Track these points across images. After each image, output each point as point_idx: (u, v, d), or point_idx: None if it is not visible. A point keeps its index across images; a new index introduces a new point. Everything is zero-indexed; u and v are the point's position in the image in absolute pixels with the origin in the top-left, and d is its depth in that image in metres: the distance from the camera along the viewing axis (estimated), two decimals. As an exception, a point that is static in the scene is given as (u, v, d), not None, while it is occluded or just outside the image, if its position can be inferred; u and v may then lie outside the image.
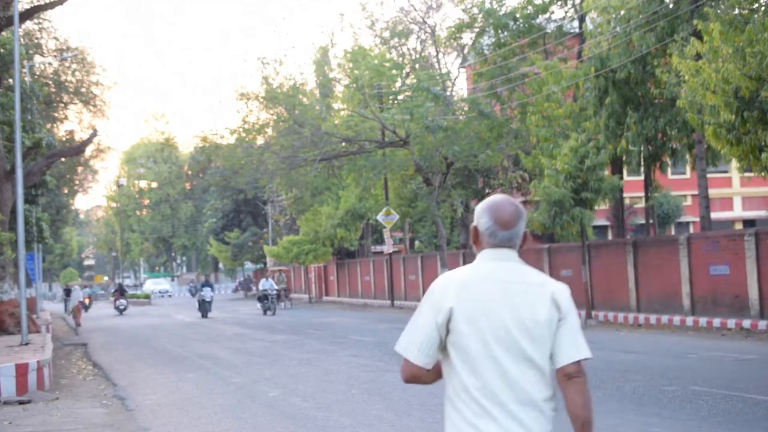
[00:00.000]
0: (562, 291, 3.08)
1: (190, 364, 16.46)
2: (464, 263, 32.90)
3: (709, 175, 25.51)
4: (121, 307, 41.71)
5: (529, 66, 28.56)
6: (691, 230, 40.19)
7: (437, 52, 43.33)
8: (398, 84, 39.20)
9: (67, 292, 57.85)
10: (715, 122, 14.88)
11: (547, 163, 22.39)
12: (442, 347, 3.08)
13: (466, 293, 3.03)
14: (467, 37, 35.51)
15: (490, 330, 3.00)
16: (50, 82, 35.55)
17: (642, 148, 25.11)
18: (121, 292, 42.85)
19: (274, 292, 36.63)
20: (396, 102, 35.64)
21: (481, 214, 3.16)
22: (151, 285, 77.43)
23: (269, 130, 37.25)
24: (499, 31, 30.39)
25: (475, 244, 3.19)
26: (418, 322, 3.08)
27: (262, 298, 36.27)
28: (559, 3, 30.59)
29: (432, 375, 3.18)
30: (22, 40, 27.75)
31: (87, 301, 55.50)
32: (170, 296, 73.96)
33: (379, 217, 35.20)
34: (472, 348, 3.02)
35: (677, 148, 25.44)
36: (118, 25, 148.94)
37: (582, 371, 3.13)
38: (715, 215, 32.74)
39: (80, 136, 38.21)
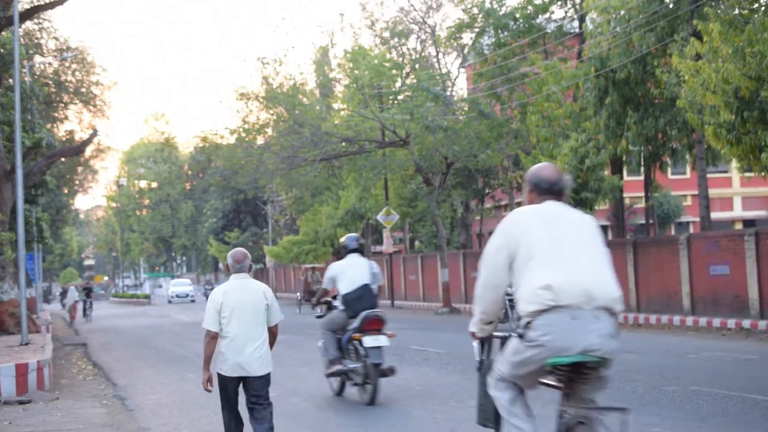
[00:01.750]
0: (268, 290, 7.00)
1: (190, 364, 16.45)
2: (464, 263, 33.15)
3: (709, 175, 25.52)
4: (87, 305, 42.10)
5: (529, 66, 28.55)
6: (691, 230, 40.20)
7: (437, 52, 43.33)
8: (398, 84, 39.18)
9: (64, 293, 58.45)
10: (715, 122, 14.89)
11: (547, 163, 22.40)
12: (219, 321, 6.78)
13: (227, 294, 6.86)
14: (467, 37, 35.51)
15: (238, 310, 6.79)
16: (50, 82, 35.56)
17: (642, 148, 25.13)
18: (86, 294, 42.85)
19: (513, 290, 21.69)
20: (396, 102, 35.62)
21: (228, 257, 7.04)
22: (172, 287, 64.54)
23: (269, 130, 37.26)
24: (499, 31, 30.38)
25: (227, 271, 7.13)
26: (208, 309, 6.82)
27: None
28: (559, 3, 30.59)
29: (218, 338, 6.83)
30: (22, 40, 27.75)
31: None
32: (193, 301, 59.35)
33: (379, 217, 35.21)
34: (228, 318, 6.77)
35: (677, 148, 25.45)
36: (118, 25, 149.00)
37: (277, 327, 7.07)
38: (715, 215, 32.74)
39: (80, 136, 38.25)
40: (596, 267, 4.25)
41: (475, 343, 4.96)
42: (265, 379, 6.89)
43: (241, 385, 6.90)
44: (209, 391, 6.90)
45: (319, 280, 36.83)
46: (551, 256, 4.24)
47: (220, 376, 6.85)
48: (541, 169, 4.60)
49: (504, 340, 4.71)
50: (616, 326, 4.26)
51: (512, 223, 4.43)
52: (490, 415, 4.75)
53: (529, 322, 4.27)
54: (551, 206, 4.41)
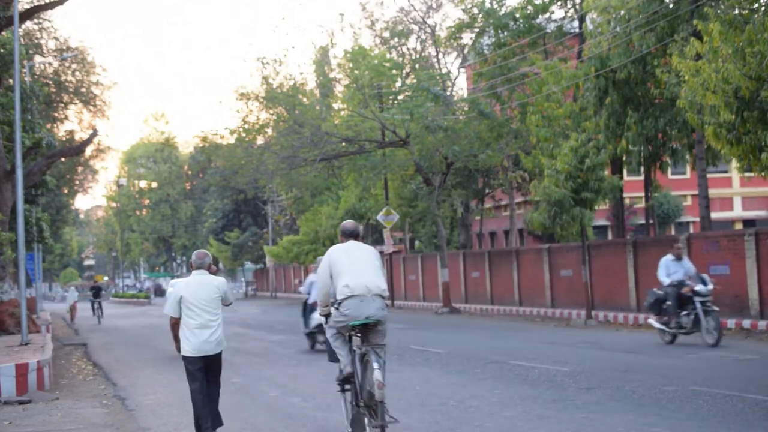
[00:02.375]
0: (223, 283, 8.54)
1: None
2: (464, 263, 33.16)
3: (709, 175, 25.50)
4: (95, 306, 37.10)
5: (529, 66, 28.54)
6: (691, 230, 40.19)
7: (437, 52, 43.33)
8: (398, 84, 39.17)
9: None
10: (715, 122, 14.88)
11: (547, 163, 22.38)
12: (180, 309, 8.31)
13: (187, 287, 8.36)
14: (467, 37, 35.51)
15: (195, 300, 8.29)
16: (50, 82, 35.54)
17: (642, 148, 25.10)
18: (95, 294, 37.78)
19: (709, 289, 16.32)
20: (396, 102, 35.61)
21: (192, 255, 8.56)
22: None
23: (269, 130, 37.23)
24: (499, 31, 30.37)
25: (191, 268, 8.46)
26: (170, 300, 8.39)
27: (672, 302, 16.41)
28: (559, 3, 30.58)
29: (180, 323, 8.38)
30: (22, 40, 27.74)
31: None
32: None
33: (379, 217, 35.21)
34: (189, 307, 8.28)
35: (677, 148, 25.42)
36: (118, 25, 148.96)
37: (231, 303, 8.82)
38: (715, 215, 32.73)
39: (80, 136, 38.21)
40: (372, 274, 8.00)
41: (323, 318, 8.57)
42: (219, 357, 8.63)
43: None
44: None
45: None
46: (348, 270, 7.99)
47: (185, 357, 8.45)
48: (346, 223, 8.57)
49: (328, 316, 8.40)
50: (384, 303, 8.01)
51: (331, 253, 8.23)
52: (334, 355, 8.47)
53: (340, 303, 7.97)
54: (351, 244, 8.27)
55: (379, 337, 7.99)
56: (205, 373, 8.46)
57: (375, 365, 7.61)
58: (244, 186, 46.29)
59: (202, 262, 8.58)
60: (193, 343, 8.37)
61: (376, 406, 7.66)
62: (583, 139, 22.06)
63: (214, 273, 9.40)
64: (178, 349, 8.59)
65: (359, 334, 7.99)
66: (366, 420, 8.00)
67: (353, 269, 7.99)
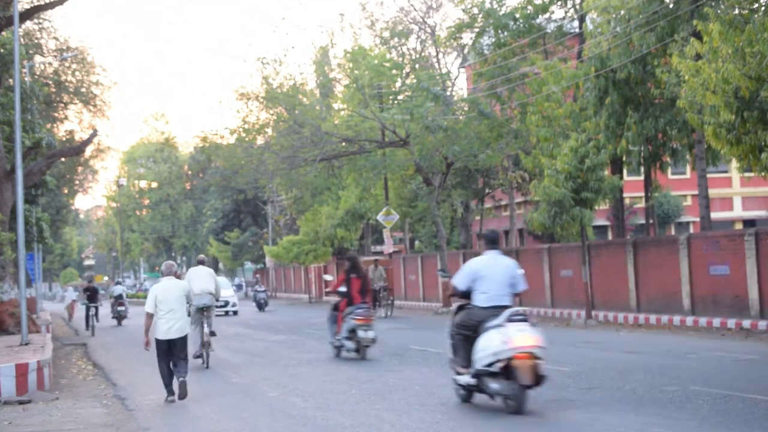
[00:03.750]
0: (186, 285, 12.38)
1: (189, 364, 16.43)
2: (464, 263, 33.00)
3: (709, 175, 25.48)
4: (90, 312, 29.18)
5: (529, 66, 28.52)
6: (691, 230, 40.18)
7: (437, 52, 43.30)
8: (398, 84, 39.13)
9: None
10: (715, 122, 14.87)
11: (547, 163, 22.37)
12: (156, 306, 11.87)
13: (161, 288, 11.78)
14: (467, 37, 35.46)
15: (166, 298, 11.68)
16: (50, 82, 35.48)
17: (642, 148, 25.09)
18: (89, 297, 29.67)
19: None
20: (396, 102, 35.59)
21: (162, 266, 12.40)
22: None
23: (269, 130, 37.20)
24: (499, 31, 30.35)
25: (162, 275, 12.08)
26: (149, 299, 11.71)
27: None
28: (559, 3, 30.55)
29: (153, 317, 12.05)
30: (22, 40, 27.70)
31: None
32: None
33: (379, 217, 35.20)
34: (162, 301, 11.66)
35: (677, 148, 25.41)
36: (118, 25, 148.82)
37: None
38: (715, 215, 32.72)
39: (80, 136, 38.13)
40: (207, 283, 15.83)
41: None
42: (183, 340, 11.67)
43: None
44: (147, 350, 12.10)
45: (383, 276, 31.31)
46: (197, 280, 15.75)
47: (157, 340, 11.55)
48: (200, 256, 17.65)
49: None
50: (212, 297, 15.88)
51: (190, 272, 16.27)
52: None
53: (194, 297, 14.46)
54: (200, 267, 16.38)
55: (210, 313, 15.74)
56: (172, 352, 11.53)
57: (205, 325, 15.51)
58: (244, 186, 46.25)
59: (170, 270, 11.98)
60: (162, 330, 11.52)
61: (205, 345, 15.41)
62: (583, 139, 22.05)
63: (179, 277, 12.26)
64: (147, 344, 11.91)
65: (204, 312, 15.48)
66: (204, 354, 15.42)
67: (199, 279, 15.55)
